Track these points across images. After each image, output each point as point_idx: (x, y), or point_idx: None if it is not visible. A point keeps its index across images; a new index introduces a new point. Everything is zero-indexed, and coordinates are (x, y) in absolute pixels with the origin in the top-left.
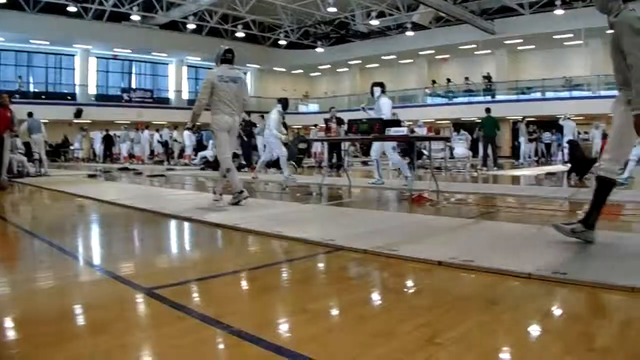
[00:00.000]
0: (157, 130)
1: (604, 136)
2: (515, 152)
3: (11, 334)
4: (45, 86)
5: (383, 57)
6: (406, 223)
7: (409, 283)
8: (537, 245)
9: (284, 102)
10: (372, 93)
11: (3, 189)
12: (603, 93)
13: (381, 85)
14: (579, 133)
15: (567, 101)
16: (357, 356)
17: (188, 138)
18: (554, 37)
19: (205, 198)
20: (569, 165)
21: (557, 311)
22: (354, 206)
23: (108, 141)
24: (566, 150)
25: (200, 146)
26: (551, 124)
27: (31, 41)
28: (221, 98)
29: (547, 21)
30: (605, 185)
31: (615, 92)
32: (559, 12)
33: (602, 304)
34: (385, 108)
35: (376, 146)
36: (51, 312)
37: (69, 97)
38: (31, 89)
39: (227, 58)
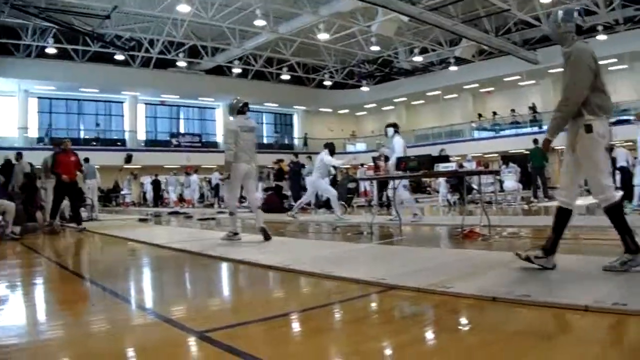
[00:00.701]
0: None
1: None
2: None
3: None
4: (95, 132)
5: (428, 93)
6: (459, 259)
7: (464, 320)
8: (594, 276)
9: (331, 147)
10: (386, 133)
11: (56, 234)
12: None
13: (394, 125)
14: (635, 158)
15: (615, 127)
16: None
17: None
18: (599, 62)
19: (256, 239)
20: (621, 192)
21: (617, 345)
22: (405, 244)
23: (156, 186)
24: (618, 177)
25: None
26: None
27: (81, 89)
28: (241, 147)
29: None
30: (563, 214)
31: None
32: (601, 37)
33: None
34: (397, 146)
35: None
36: (104, 356)
37: (118, 143)
38: (82, 135)
39: (243, 110)
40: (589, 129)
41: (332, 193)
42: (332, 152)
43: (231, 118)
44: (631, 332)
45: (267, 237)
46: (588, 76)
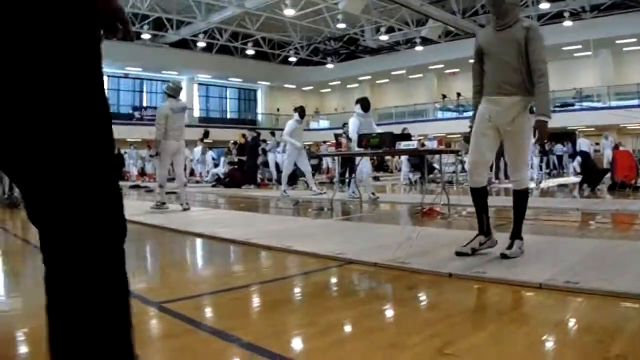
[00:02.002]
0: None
1: (615, 147)
2: None
3: (23, 348)
4: None
5: (392, 73)
6: (417, 236)
7: (420, 295)
8: (548, 255)
9: (300, 111)
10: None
11: (15, 207)
12: (613, 104)
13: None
14: (597, 144)
15: (577, 112)
16: None
17: (198, 154)
18: (563, 48)
19: (215, 214)
20: (581, 176)
21: (566, 321)
22: (366, 220)
23: (118, 160)
24: (577, 161)
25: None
26: (562, 136)
27: None
28: (171, 126)
29: (556, 33)
30: (482, 194)
31: (624, 102)
32: (567, 23)
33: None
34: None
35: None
36: None
37: None
38: None
39: (175, 94)
40: (532, 109)
41: (305, 166)
42: (302, 116)
43: (164, 103)
44: (581, 309)
45: (185, 209)
46: None
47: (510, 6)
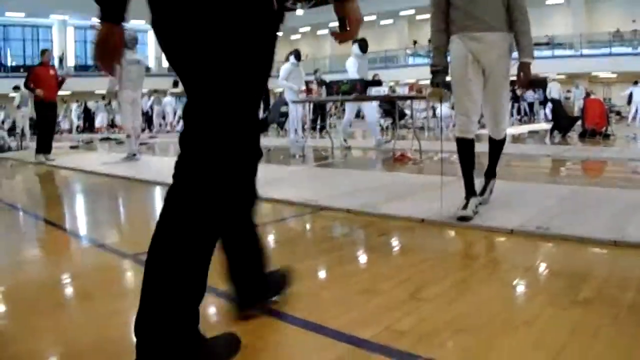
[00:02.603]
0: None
1: (586, 95)
2: None
3: None
4: (23, 59)
5: (364, 19)
6: (389, 182)
7: (393, 240)
8: (520, 201)
9: (295, 53)
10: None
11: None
12: (585, 52)
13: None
14: (568, 91)
15: (549, 60)
16: (345, 312)
17: (169, 105)
18: None
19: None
20: (552, 123)
21: (537, 266)
22: (337, 167)
23: (87, 112)
24: (548, 108)
25: None
26: (533, 83)
27: (7, 14)
28: (127, 77)
29: None
30: (470, 146)
31: (596, 51)
32: None
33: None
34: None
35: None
36: (38, 282)
37: None
38: (9, 62)
39: (129, 45)
40: (512, 49)
41: (291, 111)
42: (298, 58)
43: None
44: (552, 254)
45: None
46: None
47: None
